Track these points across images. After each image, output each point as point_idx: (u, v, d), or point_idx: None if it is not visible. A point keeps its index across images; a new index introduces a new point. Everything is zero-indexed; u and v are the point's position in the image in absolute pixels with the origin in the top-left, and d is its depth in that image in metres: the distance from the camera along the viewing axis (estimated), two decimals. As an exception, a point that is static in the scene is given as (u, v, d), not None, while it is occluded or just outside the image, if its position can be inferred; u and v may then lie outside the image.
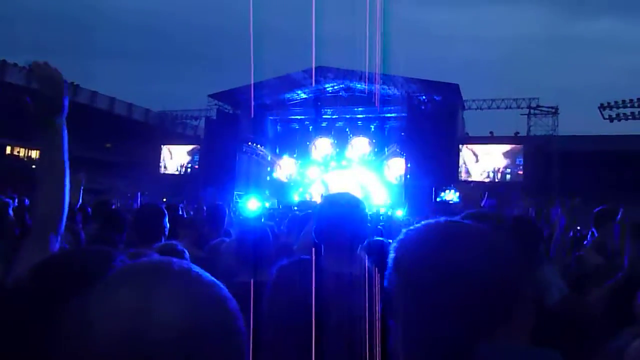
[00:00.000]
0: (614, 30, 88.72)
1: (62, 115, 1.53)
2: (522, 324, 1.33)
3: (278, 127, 29.34)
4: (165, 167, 29.55)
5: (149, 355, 0.51)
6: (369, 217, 2.24)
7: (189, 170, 28.98)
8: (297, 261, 1.99)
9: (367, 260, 1.95)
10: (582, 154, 20.48)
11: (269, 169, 28.28)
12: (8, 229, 2.95)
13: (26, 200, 6.04)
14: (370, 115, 26.36)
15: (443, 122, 22.10)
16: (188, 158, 29.29)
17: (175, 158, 29.49)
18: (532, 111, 24.49)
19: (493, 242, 0.93)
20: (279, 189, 27.13)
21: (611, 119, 24.09)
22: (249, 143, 26.43)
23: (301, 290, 1.79)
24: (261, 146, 27.32)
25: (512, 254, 0.92)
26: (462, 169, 23.08)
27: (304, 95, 27.18)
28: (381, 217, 10.79)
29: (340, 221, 1.99)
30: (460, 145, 23.18)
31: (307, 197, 25.33)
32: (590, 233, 3.66)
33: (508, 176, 22.77)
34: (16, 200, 6.21)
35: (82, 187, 3.46)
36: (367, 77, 21.65)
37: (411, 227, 0.96)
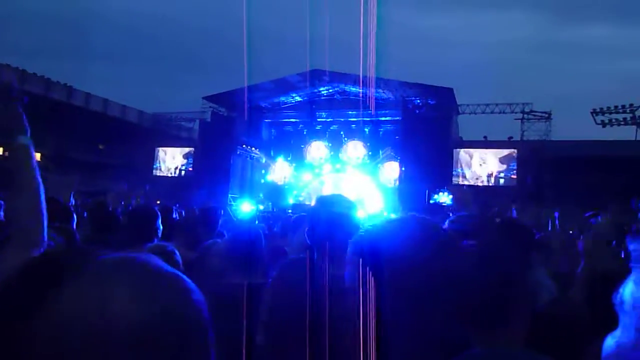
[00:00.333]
0: (606, 37, 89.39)
1: (26, 134, 1.50)
2: (513, 326, 1.34)
3: (273, 130, 29.33)
4: (159, 169, 29.44)
5: (107, 350, 0.51)
6: (361, 219, 2.25)
7: (183, 172, 28.88)
8: (297, 260, 2.00)
9: (360, 261, 1.96)
10: (575, 159, 20.59)
11: (263, 171, 28.24)
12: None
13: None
14: (365, 119, 26.38)
15: (437, 126, 22.17)
16: (182, 160, 29.19)
17: (169, 160, 29.39)
18: (525, 116, 24.64)
19: (443, 235, 0.98)
20: (274, 191, 27.09)
21: (603, 125, 24.29)
22: (244, 146, 26.38)
23: (298, 290, 1.79)
24: (256, 149, 27.28)
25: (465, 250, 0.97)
26: (456, 173, 23.14)
27: (298, 98, 27.19)
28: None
29: (333, 223, 2.00)
30: (454, 149, 23.26)
31: (301, 200, 25.34)
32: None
33: (501, 180, 22.86)
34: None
35: (72, 191, 3.46)
36: (361, 80, 21.70)
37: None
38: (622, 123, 23.93)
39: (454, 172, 22.98)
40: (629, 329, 0.48)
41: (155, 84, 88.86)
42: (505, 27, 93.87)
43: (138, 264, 0.60)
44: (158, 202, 11.89)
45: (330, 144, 27.12)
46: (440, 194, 19.29)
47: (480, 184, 22.33)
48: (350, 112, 26.22)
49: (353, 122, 26.72)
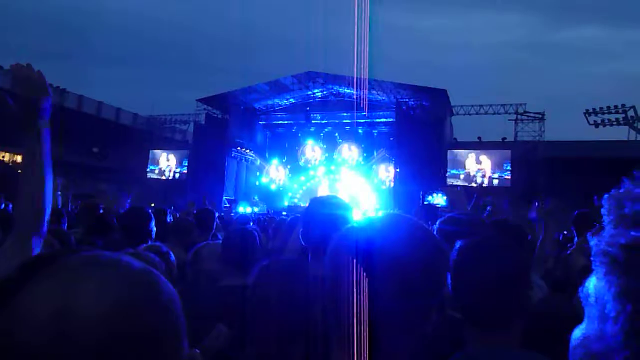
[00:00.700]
0: (599, 38, 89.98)
1: (44, 118, 1.52)
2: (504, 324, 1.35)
3: (267, 132, 29.31)
4: (153, 171, 29.33)
5: (73, 348, 0.51)
6: (354, 220, 2.25)
7: (177, 175, 28.79)
8: (276, 262, 1.99)
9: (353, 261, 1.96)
10: (569, 159, 20.69)
11: (258, 173, 28.22)
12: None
13: (10, 206, 5.97)
14: (359, 121, 26.44)
15: (431, 127, 22.22)
16: (177, 163, 29.10)
17: (163, 163, 29.28)
18: (519, 117, 24.73)
19: (419, 230, 0.99)
20: (268, 194, 27.08)
21: (596, 125, 24.41)
22: (238, 148, 26.35)
23: (284, 291, 1.79)
24: (250, 151, 27.26)
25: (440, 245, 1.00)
26: (450, 174, 23.18)
27: (293, 100, 27.20)
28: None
29: (327, 224, 2.00)
30: (449, 150, 23.31)
31: (295, 202, 25.34)
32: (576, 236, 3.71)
33: (495, 181, 22.93)
34: (2, 205, 6.14)
35: (58, 192, 3.44)
36: (356, 82, 21.73)
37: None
38: (615, 123, 24.06)
39: (448, 173, 23.03)
40: (593, 321, 0.49)
41: (150, 87, 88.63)
42: (499, 28, 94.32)
43: (104, 261, 0.60)
44: (152, 204, 11.84)
45: (324, 146, 27.13)
46: (434, 195, 19.32)
47: (474, 185, 22.39)
48: (344, 114, 26.26)
49: (347, 124, 26.77)
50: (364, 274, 0.90)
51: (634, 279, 0.46)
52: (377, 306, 0.89)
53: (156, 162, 29.19)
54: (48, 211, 1.50)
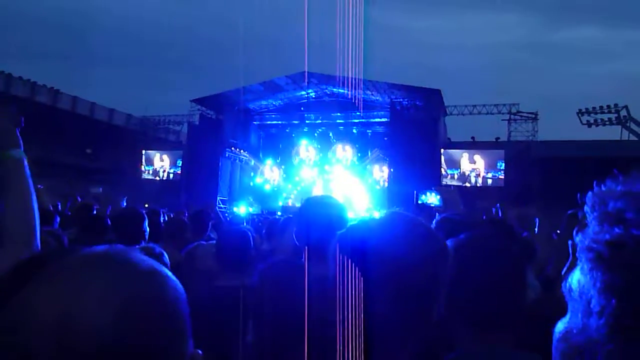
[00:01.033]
0: (593, 39, 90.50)
1: (19, 148, 1.50)
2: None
3: (261, 133, 29.27)
4: (147, 172, 29.23)
5: (79, 349, 0.50)
6: (348, 220, 2.25)
7: (171, 175, 28.71)
8: (277, 263, 2.00)
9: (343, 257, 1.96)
10: (562, 159, 20.80)
11: (252, 174, 28.18)
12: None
13: None
14: (353, 121, 26.49)
15: (425, 128, 22.28)
16: (170, 163, 29.01)
17: (157, 163, 29.19)
18: (512, 117, 24.86)
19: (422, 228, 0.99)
20: (263, 194, 27.05)
21: (589, 125, 24.56)
22: (232, 148, 26.30)
23: (285, 293, 1.79)
24: (244, 151, 27.21)
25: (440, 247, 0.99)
26: (445, 174, 23.25)
27: (287, 101, 27.20)
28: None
29: (321, 224, 2.00)
30: (442, 150, 23.38)
31: (290, 203, 25.33)
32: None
33: (489, 181, 23.01)
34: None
35: (44, 194, 3.42)
36: (350, 82, 21.75)
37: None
38: (608, 123, 24.22)
39: (442, 173, 23.09)
40: (576, 315, 0.51)
41: (143, 87, 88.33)
42: (492, 29, 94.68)
43: (112, 259, 0.58)
44: (146, 205, 11.81)
45: (319, 146, 27.12)
46: (428, 194, 19.36)
47: (468, 185, 22.47)
48: (338, 114, 26.27)
49: (341, 124, 26.78)
50: (366, 274, 0.90)
51: (619, 275, 0.47)
52: (379, 308, 0.89)
53: (150, 163, 29.10)
54: (37, 227, 1.48)
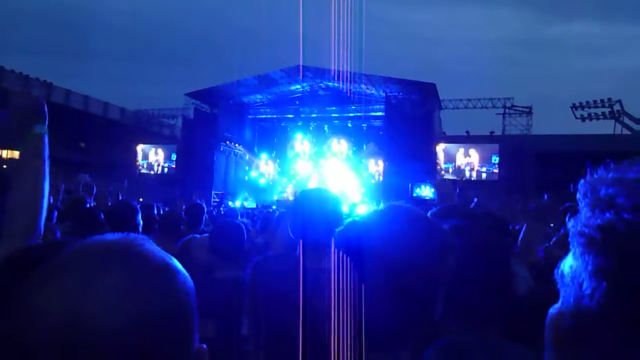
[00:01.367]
0: (586, 34, 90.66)
1: (44, 124, 1.53)
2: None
3: (256, 126, 29.20)
4: (141, 166, 29.13)
5: (88, 344, 0.48)
6: (343, 213, 2.25)
7: (165, 169, 28.62)
8: (272, 256, 2.00)
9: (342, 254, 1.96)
10: (556, 153, 20.88)
11: (247, 168, 28.13)
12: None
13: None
14: (348, 114, 26.45)
15: (420, 121, 22.30)
16: (165, 157, 28.92)
17: (151, 157, 29.08)
18: (507, 111, 24.91)
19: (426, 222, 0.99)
20: (258, 188, 27.01)
21: (583, 119, 24.66)
22: (227, 142, 26.23)
23: (280, 286, 1.79)
24: (239, 145, 27.14)
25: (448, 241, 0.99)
26: (439, 167, 23.31)
27: (282, 94, 27.11)
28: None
29: (315, 217, 2.00)
30: (437, 144, 23.42)
31: (285, 197, 25.31)
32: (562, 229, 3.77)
33: (484, 174, 23.09)
34: None
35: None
36: (345, 76, 21.70)
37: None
38: (601, 117, 24.32)
39: (437, 167, 23.14)
40: (568, 299, 0.52)
41: (137, 81, 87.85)
42: (488, 24, 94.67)
43: (123, 251, 0.56)
44: (140, 199, 11.77)
45: (314, 140, 27.10)
46: (423, 187, 19.39)
47: (462, 178, 22.53)
48: (333, 108, 26.24)
49: (337, 118, 26.75)
50: (365, 274, 0.89)
51: (610, 258, 0.48)
52: (378, 307, 0.89)
53: (144, 157, 28.99)
54: (44, 215, 1.48)
